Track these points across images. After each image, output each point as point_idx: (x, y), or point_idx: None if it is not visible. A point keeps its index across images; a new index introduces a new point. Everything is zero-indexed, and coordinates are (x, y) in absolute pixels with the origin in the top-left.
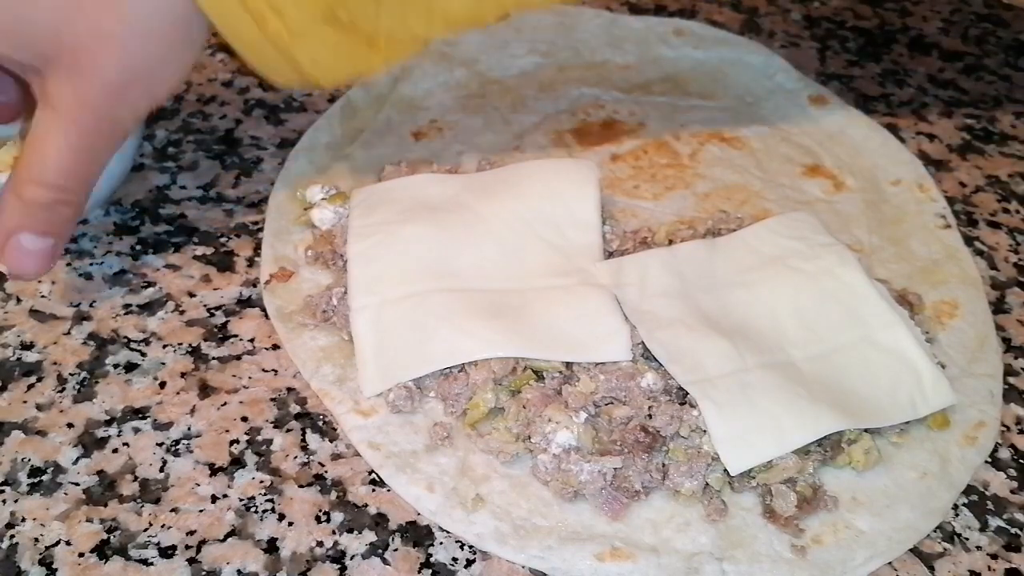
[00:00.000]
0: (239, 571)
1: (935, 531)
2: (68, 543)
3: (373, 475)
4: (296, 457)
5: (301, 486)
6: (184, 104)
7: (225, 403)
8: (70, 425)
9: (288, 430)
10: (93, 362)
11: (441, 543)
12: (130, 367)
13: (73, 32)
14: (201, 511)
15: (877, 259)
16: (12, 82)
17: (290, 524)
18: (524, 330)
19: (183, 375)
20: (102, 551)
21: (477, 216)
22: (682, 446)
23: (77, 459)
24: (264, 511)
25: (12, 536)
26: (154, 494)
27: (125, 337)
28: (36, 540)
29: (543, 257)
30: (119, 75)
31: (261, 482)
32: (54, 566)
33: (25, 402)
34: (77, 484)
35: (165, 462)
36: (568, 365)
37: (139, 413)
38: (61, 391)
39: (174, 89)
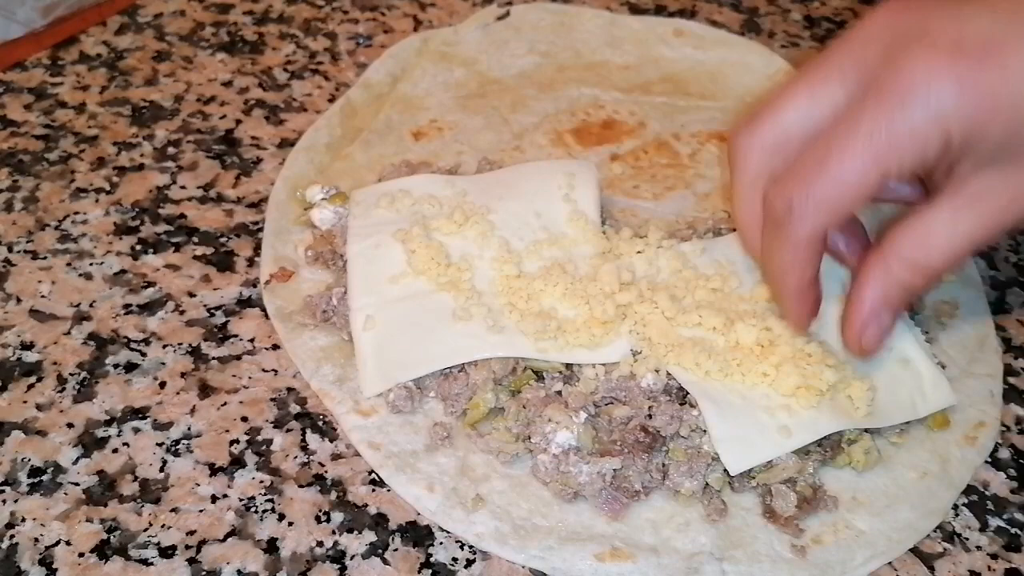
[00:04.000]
0: (239, 571)
1: (935, 531)
2: (68, 543)
3: (373, 475)
4: (296, 457)
5: (301, 486)
6: (184, 104)
7: (225, 403)
8: (70, 425)
9: (288, 430)
10: (93, 362)
11: (441, 543)
12: (130, 367)
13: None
14: (201, 511)
15: None
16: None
17: (290, 524)
18: (524, 330)
19: (183, 375)
20: (102, 551)
21: (477, 216)
22: (682, 446)
23: (77, 459)
24: (264, 511)
25: (12, 536)
26: (154, 494)
27: (125, 337)
28: (36, 540)
29: (543, 257)
30: None
31: (261, 482)
32: (54, 566)
33: (25, 402)
34: (77, 484)
35: (165, 462)
36: (568, 365)
37: (139, 413)
38: (61, 391)
39: None
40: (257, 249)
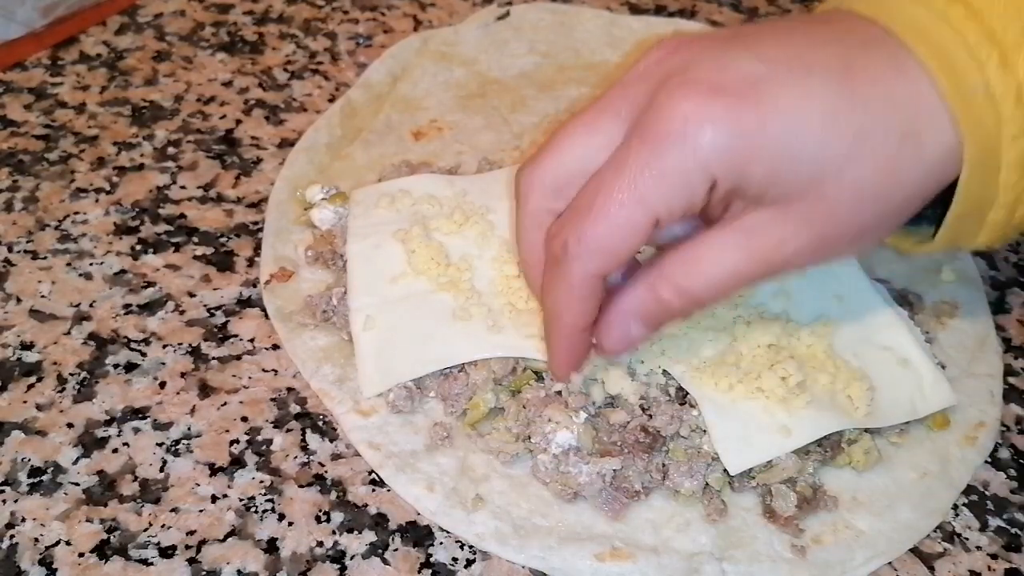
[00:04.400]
0: (239, 571)
1: (935, 531)
2: (68, 543)
3: (373, 475)
4: (296, 457)
5: (301, 486)
6: (184, 104)
7: (225, 403)
8: (70, 425)
9: (288, 430)
10: (93, 362)
11: (441, 543)
12: (130, 367)
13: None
14: (201, 511)
15: (877, 259)
16: None
17: (290, 524)
18: (524, 330)
19: (183, 375)
20: (102, 551)
21: (477, 216)
22: (682, 446)
23: (77, 459)
24: (264, 511)
25: (12, 536)
26: (154, 494)
27: (125, 337)
28: (36, 540)
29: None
30: (827, 227)
31: (261, 482)
32: (54, 566)
33: (25, 402)
34: (77, 484)
35: (165, 462)
36: None
37: (139, 413)
38: (61, 391)
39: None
40: (257, 249)
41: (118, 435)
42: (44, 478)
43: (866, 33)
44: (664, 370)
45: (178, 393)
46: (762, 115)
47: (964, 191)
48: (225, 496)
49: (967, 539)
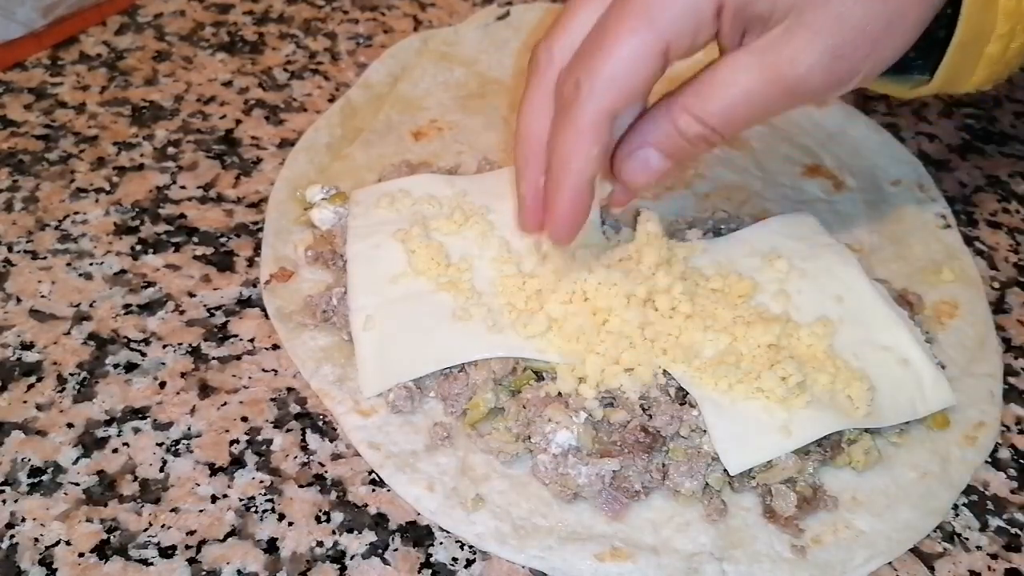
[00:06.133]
0: (239, 571)
1: (935, 531)
2: (68, 543)
3: (373, 475)
4: (296, 457)
5: (301, 486)
6: (184, 104)
7: (225, 403)
8: (70, 425)
9: (288, 430)
10: (93, 362)
11: (441, 543)
12: (130, 367)
13: None
14: (201, 511)
15: (877, 259)
16: None
17: (290, 524)
18: (524, 330)
19: (183, 375)
20: (102, 551)
21: (477, 216)
22: (682, 446)
23: (77, 459)
24: (264, 511)
25: (12, 536)
26: (154, 494)
27: (125, 337)
28: (36, 540)
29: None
30: (838, 35)
31: (261, 482)
32: (54, 566)
33: (25, 402)
34: (77, 484)
35: (165, 462)
36: None
37: (139, 413)
38: (61, 391)
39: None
40: (257, 249)
41: (118, 435)
42: (44, 478)
43: None
44: (664, 370)
45: (178, 393)
46: None
47: (966, 19)
48: (225, 496)
49: (967, 539)
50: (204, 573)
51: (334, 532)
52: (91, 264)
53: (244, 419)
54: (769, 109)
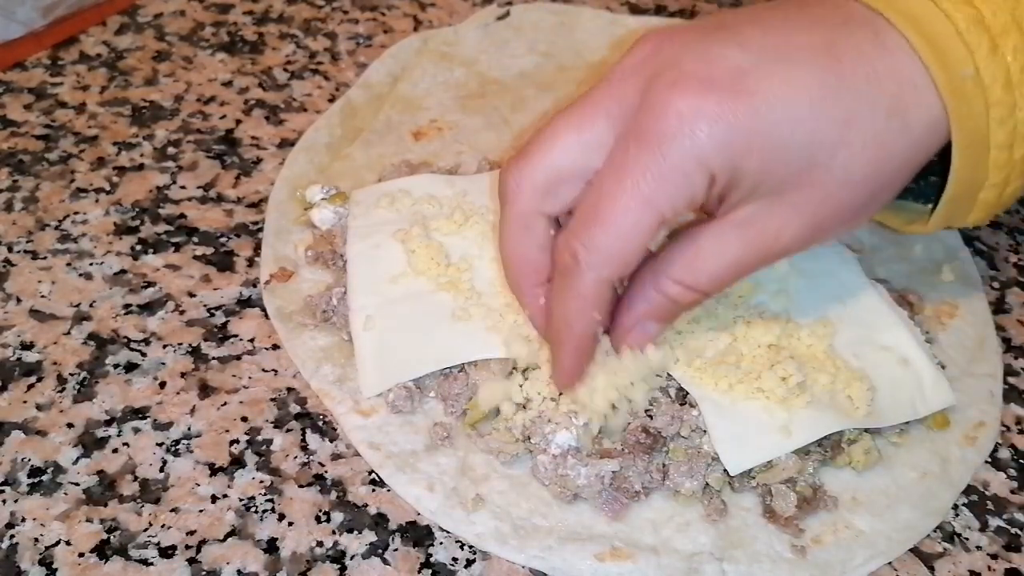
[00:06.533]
0: (239, 571)
1: (935, 531)
2: (68, 543)
3: (373, 475)
4: (296, 457)
5: (301, 486)
6: (184, 104)
7: (225, 403)
8: (70, 425)
9: (288, 430)
10: (93, 362)
11: (441, 543)
12: (130, 367)
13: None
14: (201, 511)
15: (877, 259)
16: None
17: (290, 524)
18: (524, 330)
19: (183, 375)
20: (102, 551)
21: (477, 216)
22: (682, 446)
23: (77, 459)
24: (264, 511)
25: (12, 536)
26: (154, 494)
27: (125, 337)
28: (36, 540)
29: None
30: (820, 214)
31: (261, 482)
32: (54, 566)
33: (25, 402)
34: (77, 484)
35: (165, 462)
36: None
37: (139, 413)
38: (61, 391)
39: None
40: (257, 249)
41: (118, 435)
42: (44, 478)
43: (847, 11)
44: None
45: (178, 393)
46: (754, 107)
47: (956, 175)
48: (225, 496)
49: (967, 539)
50: (204, 573)
51: (334, 532)
52: (91, 264)
53: (244, 419)
54: (755, 269)
